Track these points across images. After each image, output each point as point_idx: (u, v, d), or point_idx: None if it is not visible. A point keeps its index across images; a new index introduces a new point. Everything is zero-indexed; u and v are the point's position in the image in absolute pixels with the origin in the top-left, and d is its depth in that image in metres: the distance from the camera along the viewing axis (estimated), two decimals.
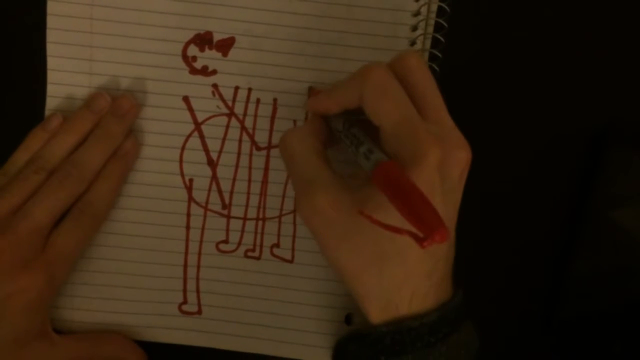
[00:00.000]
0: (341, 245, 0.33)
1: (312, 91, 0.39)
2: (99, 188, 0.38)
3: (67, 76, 0.39)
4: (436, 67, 0.39)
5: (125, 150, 0.39)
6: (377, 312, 0.33)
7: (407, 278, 0.32)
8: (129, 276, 0.40)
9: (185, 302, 0.40)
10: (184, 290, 0.40)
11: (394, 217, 0.28)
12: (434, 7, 0.39)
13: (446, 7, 0.38)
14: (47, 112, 0.39)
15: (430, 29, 0.39)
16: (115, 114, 0.38)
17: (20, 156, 0.38)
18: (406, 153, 0.31)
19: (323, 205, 0.32)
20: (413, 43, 0.39)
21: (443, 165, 0.31)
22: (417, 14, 0.39)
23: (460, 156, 0.32)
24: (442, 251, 0.33)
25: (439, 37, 0.39)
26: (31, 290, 0.35)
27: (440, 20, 0.39)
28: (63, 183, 0.37)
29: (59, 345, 0.37)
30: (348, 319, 0.40)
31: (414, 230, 0.27)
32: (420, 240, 0.27)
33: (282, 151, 0.35)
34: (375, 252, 0.32)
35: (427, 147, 0.31)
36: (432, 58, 0.39)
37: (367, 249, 0.32)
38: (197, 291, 0.40)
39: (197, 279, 0.40)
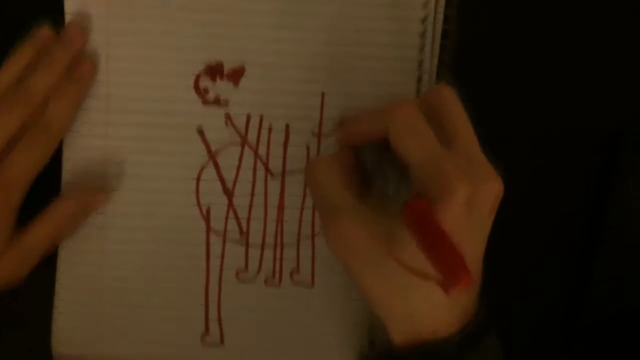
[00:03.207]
0: (366, 271, 0.33)
1: (343, 122, 0.40)
2: (51, 109, 0.38)
3: (81, 113, 0.40)
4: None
5: (79, 72, 0.39)
6: (400, 335, 0.33)
7: (431, 310, 0.33)
8: (150, 308, 0.40)
9: (207, 332, 0.40)
10: (206, 321, 0.40)
11: (420, 255, 0.28)
12: (439, 27, 0.39)
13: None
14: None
15: (437, 49, 0.39)
16: (61, 41, 0.39)
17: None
18: (433, 189, 0.31)
19: (349, 232, 0.32)
20: (421, 63, 0.40)
21: (472, 200, 0.31)
22: (423, 34, 0.39)
23: (491, 189, 0.32)
24: None
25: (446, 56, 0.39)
26: None
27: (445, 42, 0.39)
28: (9, 109, 0.37)
29: (25, 242, 0.37)
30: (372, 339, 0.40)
31: (439, 277, 0.27)
32: (444, 287, 0.27)
33: (307, 178, 0.36)
34: (400, 282, 0.32)
35: (454, 183, 0.31)
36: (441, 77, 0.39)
37: (393, 278, 0.32)
38: (219, 321, 0.40)
39: (219, 308, 0.40)
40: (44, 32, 0.39)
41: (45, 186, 0.39)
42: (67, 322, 0.40)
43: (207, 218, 0.40)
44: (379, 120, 0.34)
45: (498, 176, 0.32)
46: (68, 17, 0.39)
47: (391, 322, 0.33)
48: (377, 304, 0.33)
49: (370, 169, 0.34)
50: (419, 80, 0.40)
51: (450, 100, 0.33)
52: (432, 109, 0.33)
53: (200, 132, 0.40)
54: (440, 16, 0.39)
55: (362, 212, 0.33)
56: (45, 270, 0.40)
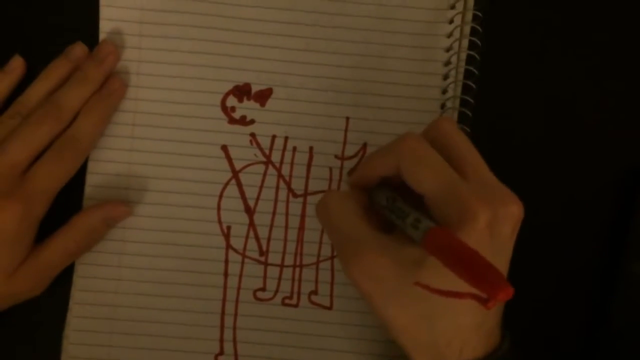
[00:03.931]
0: (390, 303, 0.32)
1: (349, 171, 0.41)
2: (81, 123, 0.38)
3: (109, 128, 0.40)
4: (469, 112, 0.40)
5: (110, 89, 0.39)
6: None
7: (457, 333, 0.32)
8: (164, 325, 0.40)
9: (221, 352, 0.40)
10: (221, 340, 0.40)
11: (450, 278, 0.28)
12: (464, 56, 0.40)
13: (476, 55, 0.40)
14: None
15: (461, 77, 0.40)
16: (94, 58, 0.39)
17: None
18: (453, 217, 0.31)
19: (372, 262, 0.32)
20: (445, 91, 0.40)
21: (493, 224, 0.31)
22: (447, 63, 0.40)
23: (512, 211, 0.32)
24: None
25: (470, 83, 0.40)
26: (9, 222, 0.35)
27: (471, 68, 0.40)
28: (39, 121, 0.37)
29: (44, 256, 0.37)
30: None
31: (475, 292, 0.27)
32: (484, 302, 0.26)
33: (320, 214, 0.35)
34: (425, 308, 0.32)
35: (474, 208, 0.30)
36: (464, 104, 0.40)
37: (417, 305, 0.32)
38: (234, 341, 0.40)
39: (234, 328, 0.40)
40: (77, 48, 0.40)
41: (67, 199, 0.39)
42: (79, 338, 0.40)
43: (227, 235, 0.40)
44: (387, 157, 0.34)
45: (517, 199, 0.32)
46: (102, 35, 0.40)
47: (417, 351, 0.33)
48: (403, 335, 0.33)
49: (385, 209, 0.34)
50: (443, 107, 0.40)
51: (452, 131, 0.34)
52: (435, 143, 0.33)
53: (225, 150, 0.40)
54: (465, 45, 0.40)
55: (383, 242, 0.32)
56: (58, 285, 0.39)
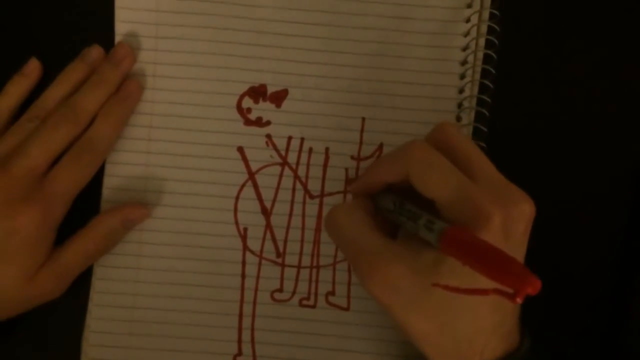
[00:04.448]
0: (409, 311, 0.32)
1: (350, 179, 0.41)
2: (98, 126, 0.38)
3: (126, 131, 0.40)
4: (486, 112, 0.40)
5: (126, 91, 0.39)
6: None
7: (477, 335, 0.32)
8: (183, 326, 0.40)
9: (239, 353, 0.40)
10: (239, 341, 0.40)
11: (468, 279, 0.28)
12: (480, 55, 0.40)
13: (493, 54, 0.40)
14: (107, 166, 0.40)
15: (477, 76, 0.40)
16: (110, 61, 0.40)
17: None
18: (467, 220, 0.31)
19: (389, 272, 0.32)
20: (461, 90, 0.40)
21: (507, 224, 0.31)
22: (464, 62, 0.40)
23: (524, 210, 0.32)
24: (510, 304, 0.33)
25: (487, 82, 0.40)
26: (29, 225, 0.36)
27: (488, 67, 0.40)
28: (57, 124, 0.37)
29: (63, 259, 0.37)
30: None
31: (500, 287, 0.26)
32: (511, 297, 0.26)
33: (328, 227, 0.35)
34: (444, 313, 0.32)
35: (487, 210, 0.30)
36: (481, 103, 0.40)
37: (436, 312, 0.32)
38: (252, 342, 0.40)
39: (252, 329, 0.40)
40: (94, 51, 0.40)
41: (85, 202, 0.39)
42: (98, 340, 0.40)
43: (244, 237, 0.40)
44: (395, 165, 0.34)
45: (528, 197, 0.32)
46: (118, 38, 0.41)
47: (439, 356, 0.33)
48: (424, 341, 0.33)
49: (394, 214, 0.34)
50: (460, 106, 0.40)
51: (456, 134, 0.34)
52: (440, 146, 0.33)
53: (241, 152, 0.40)
54: (482, 44, 0.40)
55: (396, 250, 0.33)
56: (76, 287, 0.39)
